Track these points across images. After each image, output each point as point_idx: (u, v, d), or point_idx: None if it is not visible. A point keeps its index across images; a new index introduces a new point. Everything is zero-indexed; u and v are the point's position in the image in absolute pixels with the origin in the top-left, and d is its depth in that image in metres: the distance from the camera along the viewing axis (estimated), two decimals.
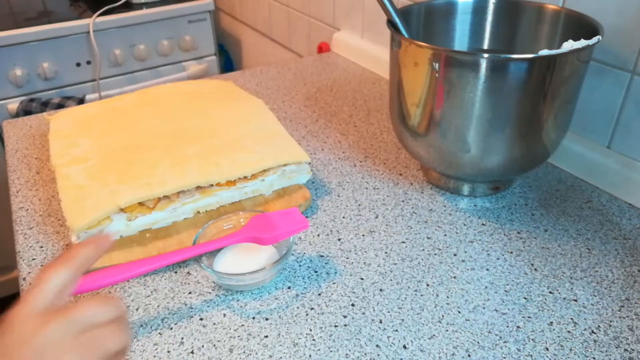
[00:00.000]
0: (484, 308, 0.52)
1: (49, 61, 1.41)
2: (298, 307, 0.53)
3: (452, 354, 0.48)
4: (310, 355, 0.48)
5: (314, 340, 0.50)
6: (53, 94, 1.45)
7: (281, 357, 0.48)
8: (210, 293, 0.55)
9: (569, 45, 0.55)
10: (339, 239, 0.62)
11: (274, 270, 0.54)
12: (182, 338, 0.50)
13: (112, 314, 0.39)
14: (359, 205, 0.68)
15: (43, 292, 0.37)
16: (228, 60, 1.93)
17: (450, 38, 0.75)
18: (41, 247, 0.62)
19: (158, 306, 0.54)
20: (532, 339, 0.49)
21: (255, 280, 0.54)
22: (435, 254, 0.59)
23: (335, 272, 0.57)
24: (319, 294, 0.55)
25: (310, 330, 0.51)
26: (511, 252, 0.59)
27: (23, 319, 0.36)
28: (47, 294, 0.37)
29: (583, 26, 0.61)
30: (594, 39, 0.55)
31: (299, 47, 1.42)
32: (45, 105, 1.37)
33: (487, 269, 0.57)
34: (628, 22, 0.62)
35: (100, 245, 0.42)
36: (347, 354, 0.48)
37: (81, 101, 1.39)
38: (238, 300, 0.54)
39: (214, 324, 0.52)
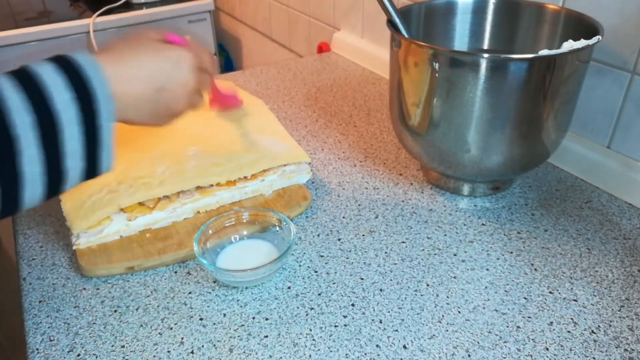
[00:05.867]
0: (484, 308, 0.52)
1: None
2: (298, 307, 0.53)
3: (452, 354, 0.48)
4: (310, 355, 0.48)
5: (314, 340, 0.50)
6: None
7: (281, 357, 0.48)
8: (210, 293, 0.55)
9: (569, 45, 0.55)
10: (339, 239, 0.62)
11: (274, 267, 0.55)
12: (182, 338, 0.50)
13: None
14: (359, 205, 0.68)
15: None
16: (228, 60, 1.93)
17: (450, 38, 0.75)
18: (41, 247, 0.62)
19: (158, 306, 0.54)
20: (532, 339, 0.49)
21: (255, 277, 0.54)
22: (435, 254, 0.59)
23: (335, 272, 0.57)
24: (319, 294, 0.55)
25: (310, 330, 0.51)
26: (511, 252, 0.59)
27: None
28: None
29: (583, 26, 0.61)
30: (594, 39, 0.55)
31: (299, 47, 1.42)
32: None
33: (487, 269, 0.57)
34: (628, 22, 0.62)
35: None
36: (347, 354, 0.48)
37: None
38: (238, 300, 0.54)
39: (214, 324, 0.52)
